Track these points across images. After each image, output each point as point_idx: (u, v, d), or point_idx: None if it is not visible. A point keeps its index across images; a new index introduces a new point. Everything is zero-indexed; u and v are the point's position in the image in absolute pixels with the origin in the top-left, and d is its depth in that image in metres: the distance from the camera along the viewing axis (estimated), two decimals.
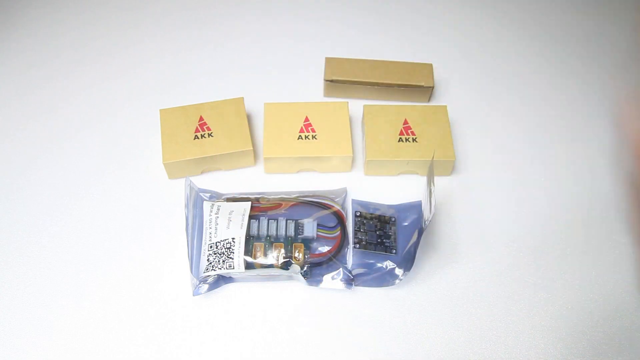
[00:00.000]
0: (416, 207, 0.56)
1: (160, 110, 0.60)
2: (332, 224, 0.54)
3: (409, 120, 0.60)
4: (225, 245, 0.51)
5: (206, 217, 0.53)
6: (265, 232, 0.53)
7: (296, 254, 0.52)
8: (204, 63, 0.70)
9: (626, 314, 0.52)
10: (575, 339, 0.50)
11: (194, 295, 0.51)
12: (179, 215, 0.56)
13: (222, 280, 0.52)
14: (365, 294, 0.52)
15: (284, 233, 0.53)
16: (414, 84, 0.64)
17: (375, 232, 0.54)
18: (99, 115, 0.65)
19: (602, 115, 0.66)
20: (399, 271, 0.52)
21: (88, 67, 0.69)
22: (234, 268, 0.50)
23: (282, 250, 0.52)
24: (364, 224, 0.55)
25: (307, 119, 0.59)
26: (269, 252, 0.52)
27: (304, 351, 0.49)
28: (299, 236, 0.53)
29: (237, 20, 0.75)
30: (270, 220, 0.53)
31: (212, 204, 0.54)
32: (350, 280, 0.52)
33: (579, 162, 0.62)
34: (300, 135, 0.58)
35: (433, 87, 0.65)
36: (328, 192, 0.57)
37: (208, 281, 0.51)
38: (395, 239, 0.54)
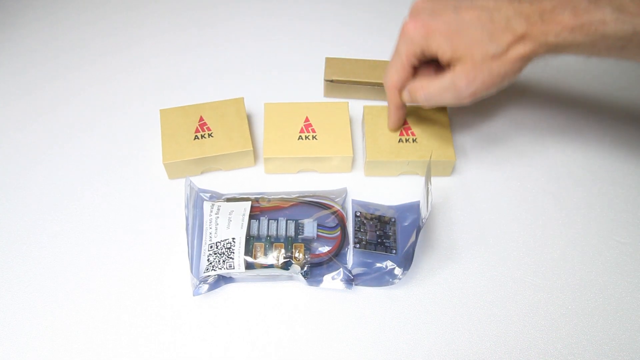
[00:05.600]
0: (416, 207, 0.56)
1: (160, 110, 0.60)
2: (332, 224, 0.54)
3: (409, 121, 0.60)
4: (225, 245, 0.51)
5: (206, 217, 0.53)
6: (265, 232, 0.53)
7: (296, 254, 0.52)
8: (204, 63, 0.70)
9: (626, 314, 0.52)
10: (575, 339, 0.50)
11: (194, 296, 0.51)
12: (179, 215, 0.56)
13: (222, 280, 0.52)
14: (365, 294, 0.52)
15: (284, 233, 0.53)
16: None
17: (375, 232, 0.54)
18: (99, 115, 0.65)
19: (602, 115, 0.66)
20: (398, 271, 0.52)
21: (88, 67, 0.69)
22: (234, 268, 0.50)
23: (282, 251, 0.52)
24: (364, 224, 0.55)
25: (307, 119, 0.59)
26: (269, 252, 0.52)
27: (304, 351, 0.49)
28: (299, 236, 0.53)
29: (237, 20, 0.75)
30: (270, 220, 0.53)
31: (212, 204, 0.54)
32: (350, 280, 0.52)
33: (578, 162, 0.62)
34: (300, 136, 0.58)
35: None
36: (328, 192, 0.57)
37: (208, 281, 0.51)
38: (395, 239, 0.54)
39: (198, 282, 0.51)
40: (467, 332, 0.50)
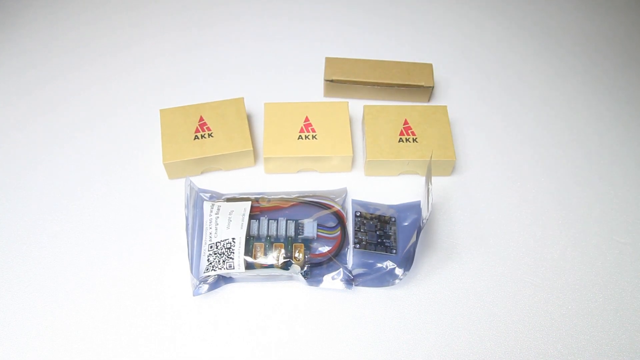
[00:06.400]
0: (416, 207, 0.56)
1: (160, 110, 0.60)
2: (332, 224, 0.54)
3: (409, 121, 0.60)
4: (225, 245, 0.51)
5: (206, 217, 0.53)
6: (265, 232, 0.53)
7: (296, 254, 0.52)
8: (204, 63, 0.70)
9: (626, 314, 0.52)
10: (575, 339, 0.50)
11: (194, 296, 0.51)
12: (179, 215, 0.56)
13: (222, 280, 0.52)
14: (365, 294, 0.52)
15: (284, 233, 0.53)
16: (414, 84, 0.64)
17: (376, 232, 0.54)
18: (99, 116, 0.65)
19: (602, 115, 0.66)
20: (398, 271, 0.52)
21: (88, 67, 0.69)
22: (234, 268, 0.50)
23: (282, 251, 0.52)
24: (364, 224, 0.55)
25: (307, 119, 0.59)
26: (269, 252, 0.52)
27: (304, 351, 0.49)
28: (299, 236, 0.53)
29: (237, 20, 0.75)
30: (270, 220, 0.53)
31: (212, 204, 0.54)
32: (351, 280, 0.52)
33: (578, 162, 0.62)
34: (300, 135, 0.58)
35: (433, 87, 0.65)
36: (328, 192, 0.57)
37: (208, 281, 0.51)
38: (395, 239, 0.54)
39: (198, 282, 0.51)
40: (467, 332, 0.50)
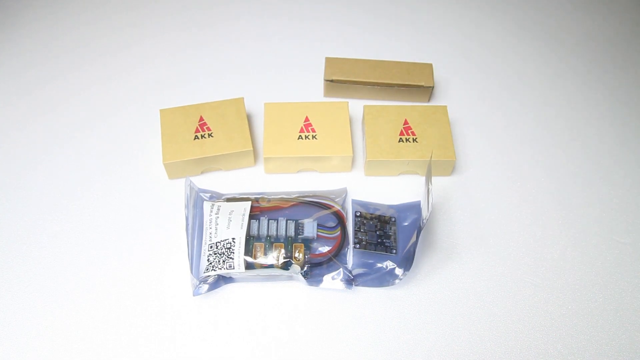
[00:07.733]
0: (416, 207, 0.56)
1: (160, 110, 0.60)
2: (332, 224, 0.54)
3: (409, 121, 0.60)
4: (225, 245, 0.51)
5: (206, 217, 0.53)
6: (265, 232, 0.53)
7: (296, 254, 0.52)
8: (204, 63, 0.70)
9: (626, 314, 0.52)
10: (575, 339, 0.50)
11: (194, 296, 0.51)
12: (179, 215, 0.56)
13: (222, 280, 0.52)
14: (365, 294, 0.52)
15: (284, 233, 0.53)
16: (414, 84, 0.64)
17: (376, 232, 0.54)
18: (99, 116, 0.65)
19: (602, 115, 0.66)
20: (398, 271, 0.52)
21: (88, 67, 0.69)
22: (234, 268, 0.50)
23: (282, 251, 0.52)
24: (364, 224, 0.55)
25: (307, 119, 0.59)
26: (269, 252, 0.52)
27: (304, 351, 0.49)
28: (299, 236, 0.53)
29: (237, 20, 0.75)
30: (270, 220, 0.53)
31: (212, 204, 0.54)
32: (351, 280, 0.52)
33: (578, 162, 0.62)
34: (300, 135, 0.58)
35: (433, 87, 0.65)
36: (328, 192, 0.57)
37: (208, 281, 0.51)
38: (395, 239, 0.54)
39: (198, 282, 0.51)
40: (467, 332, 0.50)
